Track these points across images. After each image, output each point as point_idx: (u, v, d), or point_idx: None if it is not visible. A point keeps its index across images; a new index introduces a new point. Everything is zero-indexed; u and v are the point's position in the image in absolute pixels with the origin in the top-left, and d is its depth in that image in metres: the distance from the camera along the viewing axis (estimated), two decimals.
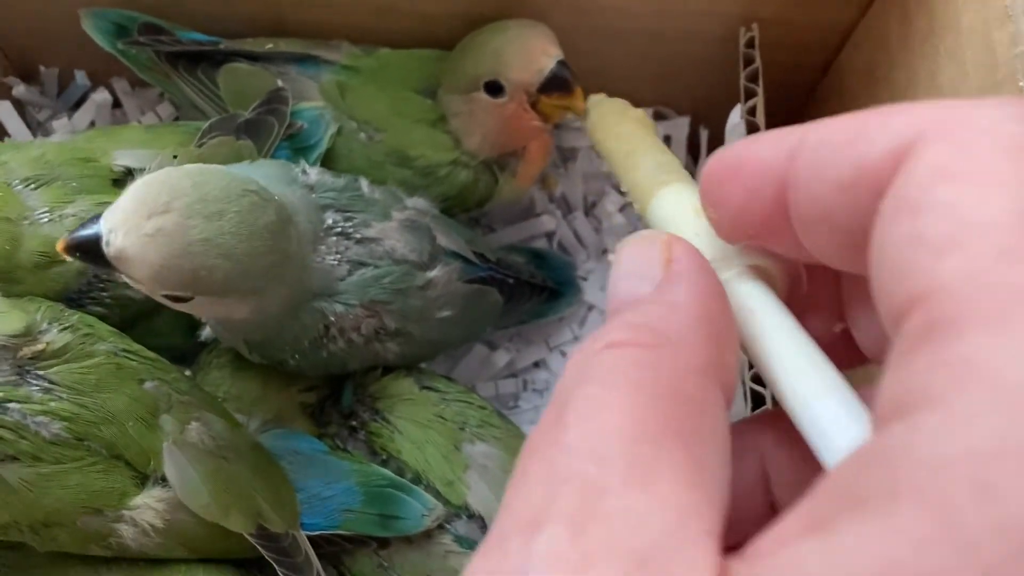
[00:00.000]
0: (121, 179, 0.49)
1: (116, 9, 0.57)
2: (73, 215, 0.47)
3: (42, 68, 0.67)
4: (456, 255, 0.52)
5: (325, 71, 0.55)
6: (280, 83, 0.54)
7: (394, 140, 0.54)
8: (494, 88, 0.52)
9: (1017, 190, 0.14)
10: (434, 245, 0.51)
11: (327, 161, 0.54)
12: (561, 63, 0.51)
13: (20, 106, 0.67)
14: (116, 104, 0.67)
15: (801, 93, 0.63)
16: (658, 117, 0.65)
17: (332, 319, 0.46)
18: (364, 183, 0.50)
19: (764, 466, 0.23)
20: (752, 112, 0.54)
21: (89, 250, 0.39)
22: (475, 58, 0.52)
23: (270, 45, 0.56)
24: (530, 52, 0.51)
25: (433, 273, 0.50)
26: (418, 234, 0.50)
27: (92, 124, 0.66)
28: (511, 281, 0.56)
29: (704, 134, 0.64)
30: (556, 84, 0.51)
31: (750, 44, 0.56)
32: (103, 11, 0.57)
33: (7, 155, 0.48)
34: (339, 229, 0.47)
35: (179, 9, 0.58)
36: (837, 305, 0.23)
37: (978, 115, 0.16)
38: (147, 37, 0.56)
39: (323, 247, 0.46)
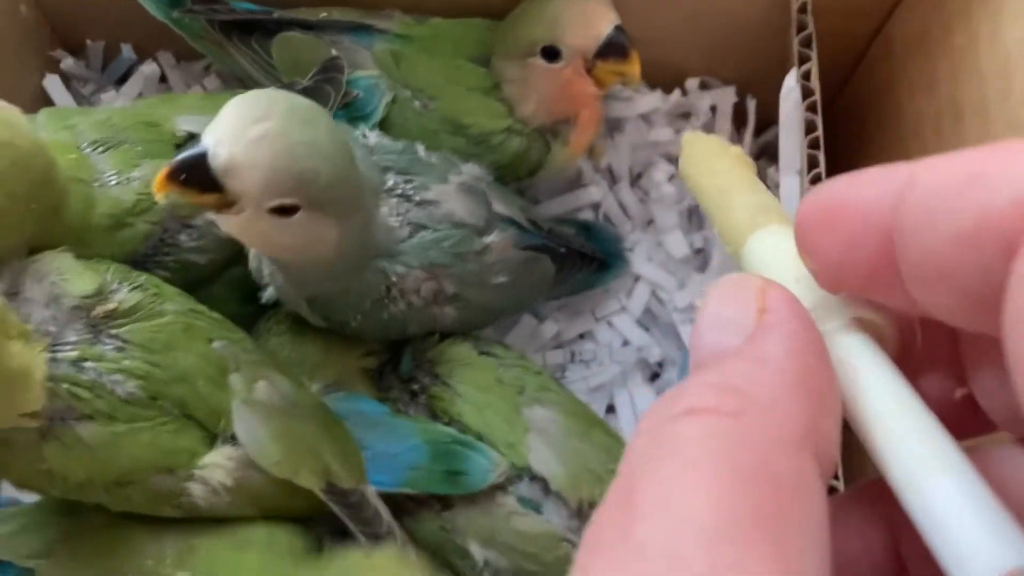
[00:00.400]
0: (184, 143, 0.50)
1: None
2: (139, 178, 0.47)
3: (88, 42, 0.68)
4: (511, 222, 0.52)
5: (378, 40, 0.56)
6: (334, 52, 0.54)
7: (447, 108, 0.55)
8: (551, 53, 0.52)
9: None
10: (490, 211, 0.51)
11: (382, 129, 0.54)
12: (618, 28, 0.51)
13: (66, 79, 0.67)
14: (162, 78, 0.68)
15: (849, 60, 0.63)
16: (704, 86, 0.65)
17: (394, 279, 0.47)
18: (420, 148, 0.51)
19: (894, 535, 0.21)
20: (807, 77, 0.54)
21: (196, 168, 0.39)
22: (532, 23, 0.53)
23: (324, 14, 0.56)
24: (588, 17, 0.51)
25: (490, 238, 0.50)
26: (475, 198, 0.51)
27: (140, 97, 0.67)
28: (562, 250, 0.56)
29: (752, 103, 0.64)
30: (613, 49, 0.51)
31: (802, 9, 0.56)
32: None
33: (75, 119, 0.48)
34: (399, 191, 0.47)
35: None
36: (958, 366, 0.21)
37: None
38: (201, 6, 0.56)
39: (385, 208, 0.47)
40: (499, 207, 0.52)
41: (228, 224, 0.41)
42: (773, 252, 0.23)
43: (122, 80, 0.68)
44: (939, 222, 0.16)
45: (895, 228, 0.17)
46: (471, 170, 0.52)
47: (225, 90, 0.66)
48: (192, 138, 0.49)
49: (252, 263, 0.49)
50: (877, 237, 0.17)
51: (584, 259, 0.59)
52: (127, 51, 0.68)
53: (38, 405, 0.39)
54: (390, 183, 0.47)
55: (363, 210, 0.45)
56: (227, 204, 0.40)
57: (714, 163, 0.31)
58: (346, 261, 0.45)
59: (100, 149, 0.47)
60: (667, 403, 0.17)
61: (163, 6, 0.57)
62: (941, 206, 0.16)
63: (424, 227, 0.48)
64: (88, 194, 0.46)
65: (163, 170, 0.39)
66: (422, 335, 0.52)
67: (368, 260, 0.46)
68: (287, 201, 0.40)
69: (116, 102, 0.66)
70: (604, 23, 0.51)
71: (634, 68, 0.51)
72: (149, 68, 0.67)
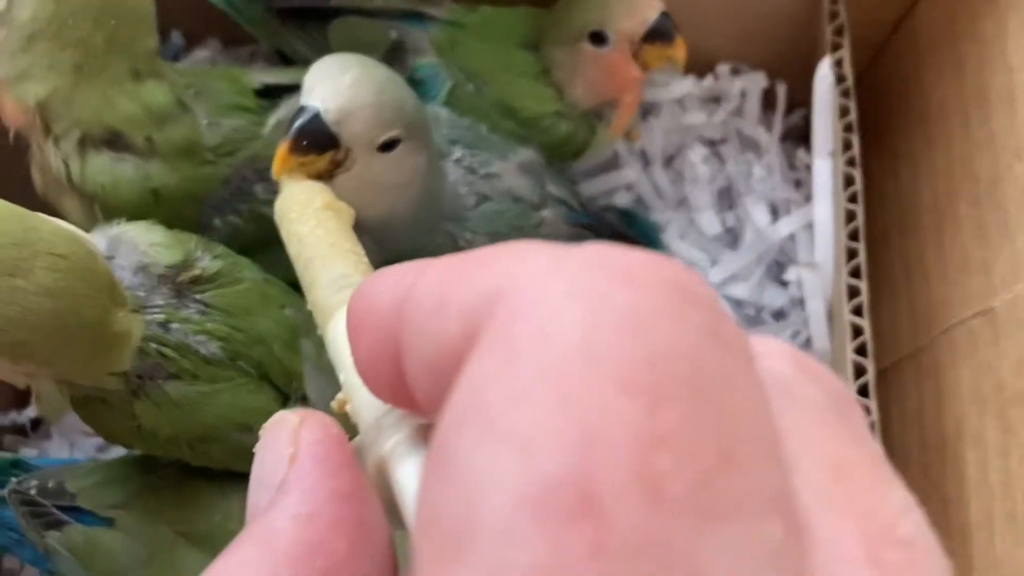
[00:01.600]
0: (264, 92, 0.52)
1: None
2: (232, 127, 0.50)
3: None
4: (561, 201, 0.55)
5: (432, 26, 0.58)
6: (394, 34, 0.57)
7: (499, 92, 0.57)
8: (599, 38, 0.55)
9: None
10: (543, 189, 0.54)
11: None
12: (664, 14, 0.54)
13: None
14: (211, 64, 0.70)
15: (875, 46, 0.65)
16: (734, 72, 0.68)
17: (463, 244, 0.50)
18: (483, 127, 0.53)
19: None
20: (839, 64, 0.56)
21: (313, 128, 0.42)
22: (580, 10, 0.55)
23: (379, 1, 0.58)
24: (635, 3, 0.54)
25: (544, 213, 0.53)
26: (532, 177, 0.53)
27: None
28: (608, 232, 0.59)
29: (781, 88, 0.67)
30: (660, 34, 0.54)
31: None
32: None
33: (163, 68, 0.51)
34: (466, 163, 0.50)
35: None
36: None
37: (549, 288, 0.13)
38: None
39: (452, 177, 0.49)
40: (552, 187, 0.55)
41: (345, 187, 0.44)
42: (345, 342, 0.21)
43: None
44: (417, 346, 0.15)
45: (399, 341, 0.16)
46: (526, 153, 0.55)
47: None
48: (269, 89, 0.53)
49: None
50: (390, 348, 0.16)
51: (627, 242, 0.61)
52: (176, 37, 0.70)
53: (127, 366, 0.42)
54: (457, 155, 0.50)
55: (435, 153, 0.48)
56: (339, 163, 0.43)
57: (298, 224, 0.30)
58: (424, 211, 0.49)
59: (193, 92, 0.50)
60: None
61: None
62: (420, 326, 0.15)
63: (488, 198, 0.51)
64: (179, 115, 0.48)
65: (283, 146, 0.41)
66: None
67: (437, 221, 0.49)
68: (392, 133, 0.44)
69: None
70: (650, 9, 0.54)
71: (679, 52, 0.54)
72: (201, 53, 0.69)
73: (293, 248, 0.29)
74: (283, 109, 0.52)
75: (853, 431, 0.15)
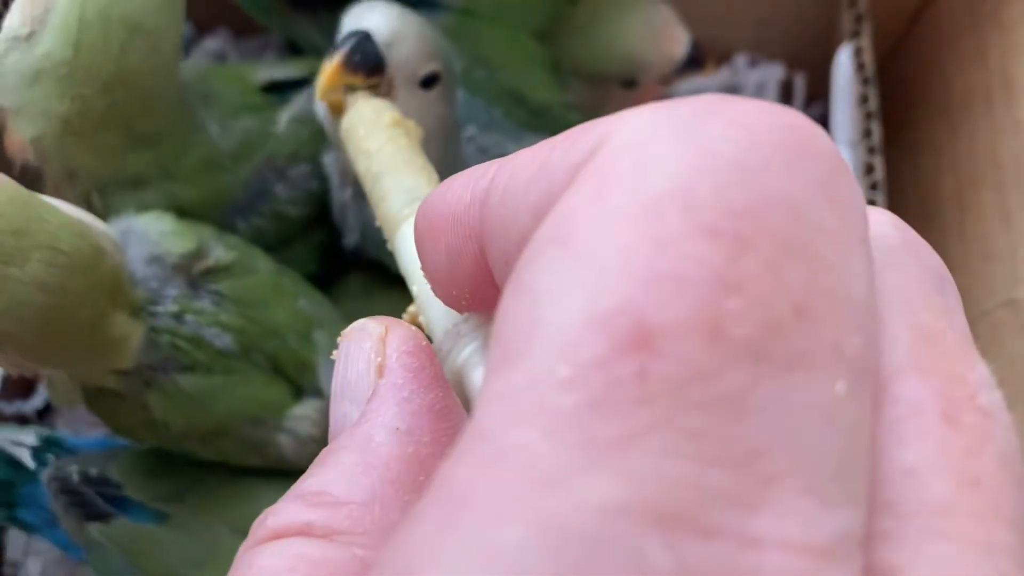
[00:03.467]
0: (271, 88, 0.52)
1: None
2: (241, 129, 0.49)
3: None
4: None
5: (444, 13, 0.57)
6: None
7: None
8: (630, 83, 0.54)
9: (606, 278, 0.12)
10: None
11: None
12: (693, 44, 0.53)
13: None
14: (220, 55, 0.69)
15: (896, 33, 0.64)
16: (751, 63, 0.67)
17: None
18: (499, 110, 0.52)
19: None
20: (858, 52, 0.56)
21: (366, 50, 0.41)
22: (605, 57, 0.54)
23: None
24: (665, 45, 0.53)
25: None
26: None
27: None
28: None
29: (800, 80, 0.66)
30: (690, 66, 0.54)
31: None
32: None
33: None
34: (478, 142, 0.50)
35: None
36: None
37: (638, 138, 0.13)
38: None
39: (464, 155, 0.49)
40: None
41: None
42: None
43: None
44: (509, 226, 0.14)
45: (482, 235, 0.15)
46: (540, 139, 0.54)
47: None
48: (274, 85, 0.52)
49: (336, 211, 0.52)
50: (471, 250, 0.16)
51: None
52: (185, 27, 0.69)
53: (127, 366, 0.41)
54: (470, 133, 0.50)
55: (456, 115, 0.48)
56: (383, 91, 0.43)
57: (367, 141, 0.29)
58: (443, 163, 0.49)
59: (201, 101, 0.49)
60: (258, 522, 0.16)
61: None
62: (512, 206, 0.14)
63: None
64: (190, 138, 0.47)
65: (333, 63, 0.40)
66: None
67: None
68: (433, 66, 0.44)
69: None
70: (679, 45, 0.53)
71: (708, 72, 0.54)
72: (211, 43, 0.68)
73: (362, 164, 0.28)
74: (295, 105, 0.51)
75: (948, 306, 0.14)
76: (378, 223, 0.25)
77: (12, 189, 0.36)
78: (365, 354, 0.18)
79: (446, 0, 0.58)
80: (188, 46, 0.69)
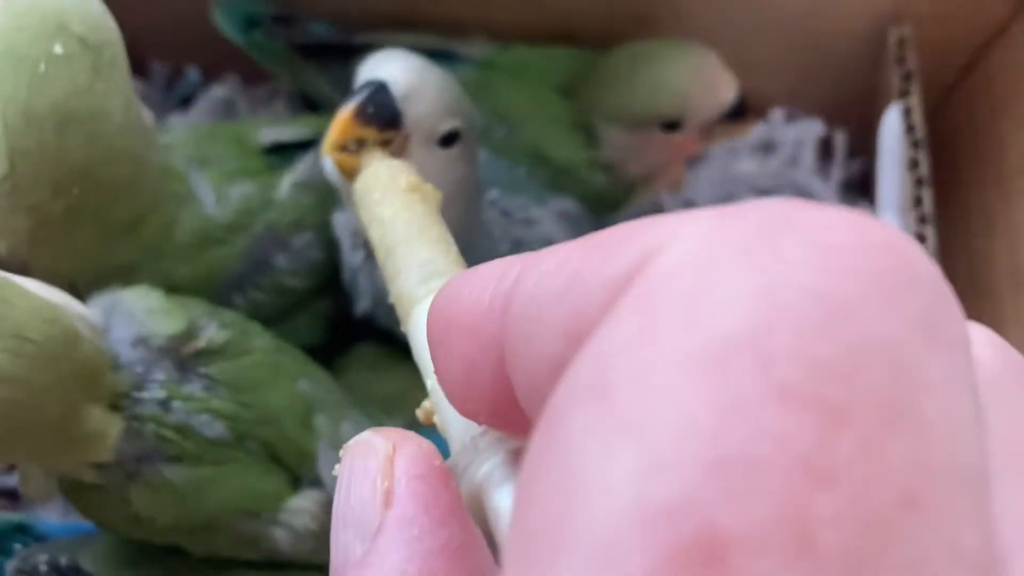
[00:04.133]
0: (274, 150, 0.48)
1: (246, 1, 0.56)
2: (239, 197, 0.45)
3: (155, 63, 0.66)
4: None
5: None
6: None
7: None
8: (673, 126, 0.51)
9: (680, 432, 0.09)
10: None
11: None
12: (738, 91, 0.50)
13: None
14: (228, 102, 0.66)
15: (943, 91, 0.61)
16: (789, 118, 0.63)
17: None
18: (522, 170, 0.49)
19: None
20: (908, 113, 0.52)
21: (380, 99, 0.39)
22: (652, 96, 0.51)
23: (407, 38, 0.54)
24: (714, 88, 0.50)
25: None
26: (572, 225, 0.50)
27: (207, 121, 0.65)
28: None
29: (840, 137, 0.62)
30: (734, 115, 0.51)
31: (901, 42, 0.54)
32: (233, 2, 0.56)
33: (165, 138, 0.47)
34: (501, 205, 0.47)
35: (310, 1, 0.57)
36: None
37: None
38: (281, 28, 0.55)
39: (486, 218, 0.46)
40: None
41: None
42: None
43: (185, 102, 0.66)
44: (536, 344, 0.12)
45: (504, 348, 0.13)
46: (566, 202, 0.51)
47: (294, 113, 0.65)
48: (277, 146, 0.48)
49: (346, 276, 0.48)
50: (490, 358, 0.14)
51: None
52: (193, 73, 0.66)
53: (105, 459, 0.37)
54: (493, 196, 0.47)
55: (478, 175, 0.46)
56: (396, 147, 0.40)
57: (381, 207, 0.27)
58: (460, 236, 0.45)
59: (196, 166, 0.45)
60: None
61: (239, 27, 0.55)
62: (540, 317, 0.12)
63: (524, 244, 0.47)
64: (180, 212, 0.44)
65: (345, 112, 0.38)
66: None
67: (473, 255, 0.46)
68: (454, 123, 0.41)
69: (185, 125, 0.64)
70: (728, 91, 0.50)
71: (748, 130, 0.51)
72: (216, 90, 0.65)
73: (375, 233, 0.26)
74: (299, 169, 0.48)
75: None
76: (391, 299, 0.23)
77: None
78: (370, 477, 0.16)
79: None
80: (194, 93, 0.66)
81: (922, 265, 0.10)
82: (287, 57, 0.55)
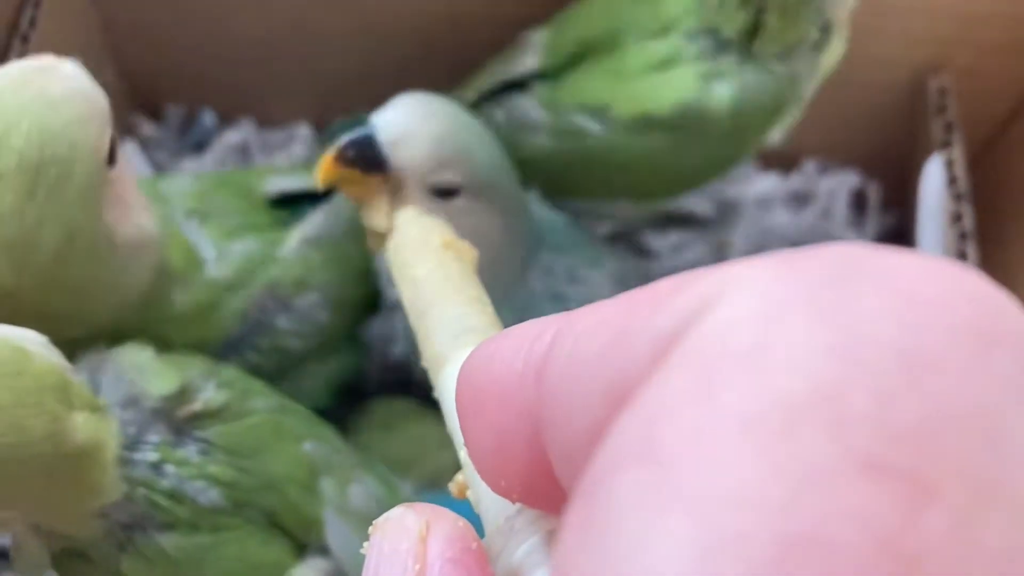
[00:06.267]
0: (281, 201, 0.46)
1: None
2: (240, 253, 0.43)
3: (169, 106, 0.65)
4: None
5: (533, 88, 0.50)
6: (502, 115, 0.50)
7: (624, 108, 0.47)
8: None
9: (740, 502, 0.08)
10: None
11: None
12: None
13: (144, 145, 0.64)
14: (243, 146, 0.65)
15: (980, 146, 0.58)
16: (823, 169, 0.61)
17: None
18: (585, 234, 0.49)
19: None
20: (949, 164, 0.49)
21: (364, 144, 0.39)
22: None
23: (471, 93, 0.52)
24: None
25: None
26: (626, 287, 0.47)
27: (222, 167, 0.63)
28: None
29: (874, 189, 0.60)
30: None
31: (942, 92, 0.52)
32: None
33: (164, 188, 0.44)
34: (547, 263, 0.45)
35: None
36: None
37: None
38: None
39: (531, 274, 0.45)
40: None
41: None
42: None
43: (199, 146, 0.65)
44: (575, 410, 0.11)
45: (539, 416, 0.12)
46: (625, 265, 0.50)
47: (312, 157, 0.63)
48: (289, 200, 0.46)
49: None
50: (523, 428, 0.13)
51: None
52: (208, 117, 0.65)
53: (114, 496, 0.35)
54: (541, 254, 0.46)
55: (521, 217, 0.44)
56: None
57: (415, 267, 0.26)
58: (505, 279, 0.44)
59: (197, 222, 0.43)
60: None
61: None
62: (578, 385, 0.11)
63: (569, 301, 0.45)
64: (174, 288, 0.41)
65: (330, 152, 0.37)
66: None
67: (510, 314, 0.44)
68: (448, 176, 0.40)
69: (199, 169, 0.63)
70: None
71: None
72: (231, 135, 0.64)
73: (407, 293, 0.25)
74: (309, 224, 0.45)
75: None
76: (424, 363, 0.21)
77: None
78: (401, 558, 0.15)
79: (525, 67, 0.50)
80: (209, 137, 0.65)
81: (1013, 317, 0.09)
82: None
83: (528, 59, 0.49)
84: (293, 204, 0.46)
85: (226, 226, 0.43)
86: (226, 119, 0.65)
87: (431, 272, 0.25)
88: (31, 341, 0.32)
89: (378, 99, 0.56)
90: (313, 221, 0.45)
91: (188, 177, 0.48)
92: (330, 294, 0.45)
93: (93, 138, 0.34)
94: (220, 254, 0.43)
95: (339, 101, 0.63)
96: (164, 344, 0.39)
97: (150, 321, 0.41)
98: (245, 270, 0.43)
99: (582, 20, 0.48)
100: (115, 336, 0.38)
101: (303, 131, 0.64)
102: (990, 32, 0.51)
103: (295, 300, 0.44)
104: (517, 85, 0.50)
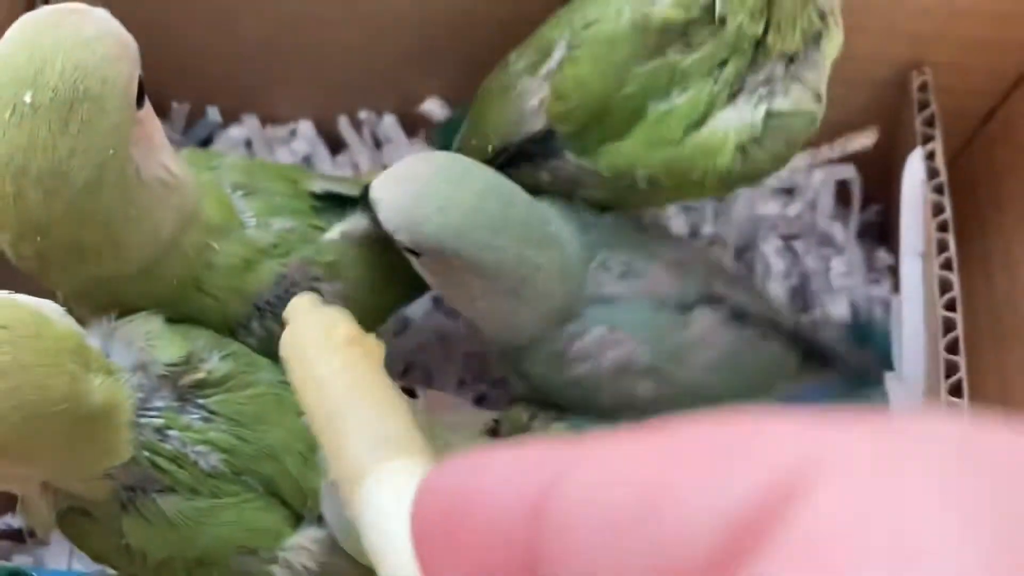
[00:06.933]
0: (323, 198, 0.48)
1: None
2: (280, 228, 0.45)
3: (174, 103, 0.67)
4: (726, 301, 0.50)
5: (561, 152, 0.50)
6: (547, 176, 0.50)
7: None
8: None
9: None
10: (706, 288, 0.50)
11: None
12: None
13: None
14: (247, 143, 0.66)
15: (960, 141, 0.60)
16: (808, 163, 0.62)
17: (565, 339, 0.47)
18: (636, 226, 0.50)
19: None
20: (931, 157, 0.51)
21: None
22: None
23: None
24: None
25: (695, 313, 0.49)
26: (686, 276, 0.49)
27: None
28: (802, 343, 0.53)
29: (856, 182, 0.62)
30: None
31: (923, 88, 0.53)
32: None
33: (216, 161, 0.46)
34: (600, 261, 0.47)
35: None
36: None
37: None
38: None
39: (584, 281, 0.47)
40: (719, 287, 0.50)
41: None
42: (390, 524, 0.17)
43: (204, 142, 0.66)
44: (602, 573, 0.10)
45: (538, 554, 0.11)
46: (684, 251, 0.51)
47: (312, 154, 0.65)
48: (331, 197, 0.48)
49: None
50: (516, 566, 0.11)
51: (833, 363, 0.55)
52: (212, 113, 0.66)
53: (127, 455, 0.36)
54: (597, 259, 0.47)
55: (523, 284, 0.45)
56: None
57: (318, 366, 0.23)
58: (510, 320, 0.47)
59: (241, 193, 0.45)
60: None
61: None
62: (599, 543, 0.10)
63: (611, 301, 0.47)
64: (218, 232, 0.43)
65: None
66: (619, 410, 0.50)
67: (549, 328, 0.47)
68: (399, 237, 0.43)
69: None
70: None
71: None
72: (234, 131, 0.65)
73: (310, 396, 0.23)
74: (351, 221, 0.47)
75: None
76: (331, 479, 0.20)
77: None
78: None
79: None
80: (213, 134, 0.66)
81: None
82: None
83: (536, 122, 0.47)
84: (331, 206, 0.48)
85: (269, 204, 0.45)
86: (230, 116, 0.67)
87: (337, 373, 0.23)
88: (49, 308, 0.34)
89: (379, 96, 0.58)
90: (355, 220, 0.46)
91: (237, 156, 0.49)
92: (354, 291, 0.46)
93: (124, 77, 0.35)
94: (260, 223, 0.44)
95: (341, 99, 0.65)
96: (202, 293, 0.42)
97: (190, 266, 0.42)
98: (284, 240, 0.44)
99: (585, 88, 0.45)
100: (150, 278, 0.40)
101: (305, 128, 0.66)
102: (971, 29, 0.52)
103: (324, 284, 0.45)
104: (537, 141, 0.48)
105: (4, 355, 0.31)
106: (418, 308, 0.60)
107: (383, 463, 0.18)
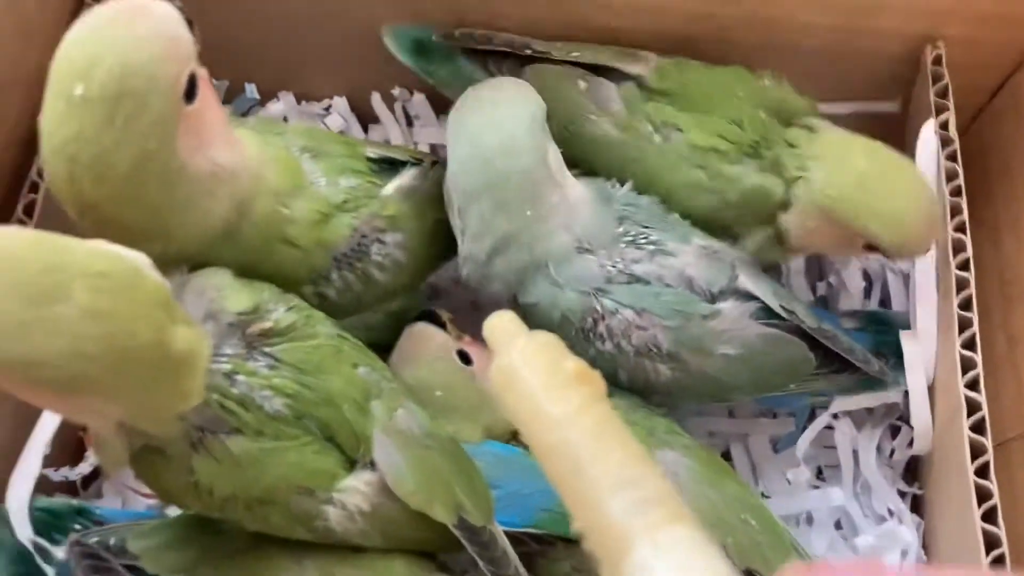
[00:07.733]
0: (379, 161, 0.52)
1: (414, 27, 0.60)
2: (347, 186, 0.49)
3: (214, 81, 0.69)
4: (753, 298, 0.52)
5: (624, 84, 0.55)
6: (582, 84, 0.55)
7: (691, 137, 0.53)
8: (874, 249, 0.51)
9: None
10: (732, 281, 0.52)
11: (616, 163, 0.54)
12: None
13: None
14: (283, 119, 0.69)
15: (971, 113, 0.62)
16: None
17: (599, 312, 0.49)
18: (673, 214, 0.53)
19: None
20: (944, 127, 0.53)
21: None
22: (869, 218, 0.50)
23: (576, 53, 0.56)
24: (927, 232, 0.50)
25: (722, 305, 0.51)
26: (716, 265, 0.51)
27: None
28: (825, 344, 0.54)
29: None
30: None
31: (937, 61, 0.56)
32: (404, 28, 0.59)
33: (280, 127, 0.50)
34: (630, 236, 0.50)
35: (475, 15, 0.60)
36: None
37: None
38: (461, 33, 0.58)
39: (607, 251, 0.50)
40: (747, 282, 0.52)
41: None
42: None
43: (242, 117, 0.69)
44: None
45: None
46: (722, 246, 0.53)
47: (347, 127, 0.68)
48: (388, 162, 0.52)
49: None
50: None
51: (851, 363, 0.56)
52: (250, 90, 0.69)
53: (200, 398, 0.39)
54: (621, 230, 0.50)
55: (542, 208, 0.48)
56: None
57: (551, 403, 0.22)
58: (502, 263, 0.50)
59: (309, 155, 0.48)
60: None
61: (409, 52, 0.59)
62: None
63: (642, 281, 0.50)
64: (291, 195, 0.47)
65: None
66: (634, 390, 0.53)
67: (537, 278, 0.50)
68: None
69: None
70: (932, 238, 0.51)
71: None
72: (273, 107, 0.68)
73: (543, 437, 0.21)
74: (405, 176, 0.52)
75: None
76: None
77: (28, 234, 0.34)
78: None
79: (630, 69, 0.56)
80: (251, 110, 0.69)
81: None
82: (455, 76, 0.58)
83: (638, 66, 0.55)
84: (385, 168, 0.52)
85: (335, 165, 0.49)
86: (267, 93, 0.69)
87: (574, 416, 0.21)
88: (142, 261, 0.37)
89: (411, 74, 0.61)
90: (407, 175, 0.52)
91: (299, 125, 0.53)
92: (410, 241, 0.52)
93: (171, 76, 0.38)
94: (329, 182, 0.48)
95: (374, 76, 0.67)
96: (288, 245, 0.46)
97: (264, 232, 0.46)
98: (352, 196, 0.49)
99: (698, 75, 0.55)
100: (225, 249, 0.44)
101: (340, 104, 0.69)
102: (982, 4, 0.55)
103: (386, 235, 0.50)
104: (609, 71, 0.55)
105: (104, 301, 0.33)
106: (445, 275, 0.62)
107: (656, 531, 0.18)
